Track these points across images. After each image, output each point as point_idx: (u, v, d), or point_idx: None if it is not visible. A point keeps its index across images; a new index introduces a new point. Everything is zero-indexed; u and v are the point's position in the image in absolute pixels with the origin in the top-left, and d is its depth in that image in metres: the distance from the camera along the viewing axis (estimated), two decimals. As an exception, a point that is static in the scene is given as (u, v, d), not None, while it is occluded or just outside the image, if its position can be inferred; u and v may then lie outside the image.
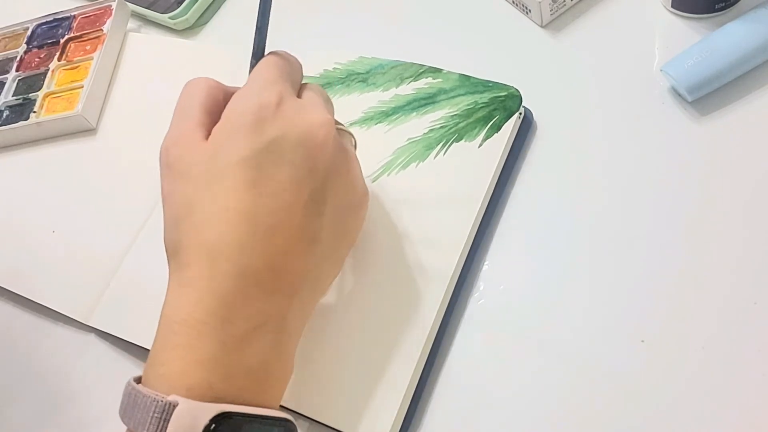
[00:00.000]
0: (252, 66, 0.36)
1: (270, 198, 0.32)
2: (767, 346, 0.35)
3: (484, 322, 0.40)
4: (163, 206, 0.34)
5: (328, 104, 0.37)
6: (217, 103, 0.35)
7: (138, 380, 0.31)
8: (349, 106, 0.47)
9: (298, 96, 0.36)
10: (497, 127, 0.43)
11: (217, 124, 0.33)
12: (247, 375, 0.31)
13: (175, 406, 0.28)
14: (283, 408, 0.38)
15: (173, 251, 0.32)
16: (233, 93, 0.35)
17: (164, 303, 0.32)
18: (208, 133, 0.33)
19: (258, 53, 0.37)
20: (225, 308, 0.30)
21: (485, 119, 0.44)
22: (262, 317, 0.31)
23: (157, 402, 0.29)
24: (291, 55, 0.37)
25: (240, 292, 0.31)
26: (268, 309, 0.32)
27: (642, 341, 0.37)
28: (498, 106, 0.44)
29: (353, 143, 0.39)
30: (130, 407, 0.30)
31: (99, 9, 0.59)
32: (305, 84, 0.37)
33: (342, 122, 0.40)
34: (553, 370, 0.37)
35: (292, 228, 0.32)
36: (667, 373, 0.36)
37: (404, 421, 0.37)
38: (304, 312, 0.34)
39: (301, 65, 0.38)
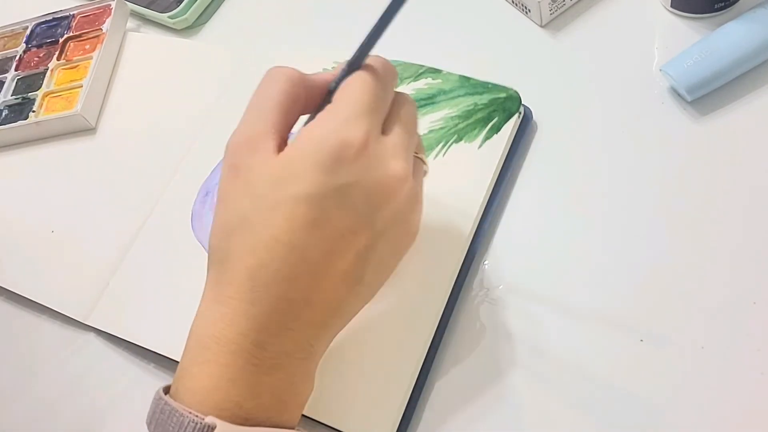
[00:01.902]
0: (344, 73, 0.33)
1: (325, 240, 0.30)
2: (766, 345, 0.35)
3: (484, 322, 0.40)
4: (218, 203, 0.32)
5: (413, 138, 0.34)
6: (297, 102, 0.33)
7: (166, 390, 0.31)
8: (348, 106, 0.47)
9: (386, 127, 0.33)
10: (497, 129, 0.43)
11: (293, 144, 0.31)
12: (273, 395, 0.31)
13: (212, 429, 0.28)
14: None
15: (218, 259, 0.32)
16: (318, 87, 0.33)
17: (197, 314, 0.32)
18: (281, 140, 0.32)
19: (356, 61, 0.33)
20: (259, 334, 0.30)
21: (485, 120, 0.44)
22: (293, 345, 0.31)
23: (196, 423, 0.28)
24: (389, 68, 0.34)
25: (275, 321, 0.30)
26: (300, 338, 0.31)
27: (641, 341, 0.37)
28: (497, 108, 0.44)
29: (424, 171, 0.37)
30: (162, 421, 0.30)
31: (98, 8, 0.59)
32: (398, 99, 0.34)
33: (422, 150, 0.37)
34: (553, 370, 0.37)
35: (339, 271, 0.31)
36: (667, 372, 0.36)
37: (402, 420, 0.37)
38: (330, 338, 0.34)
39: (395, 80, 0.34)
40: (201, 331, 0.31)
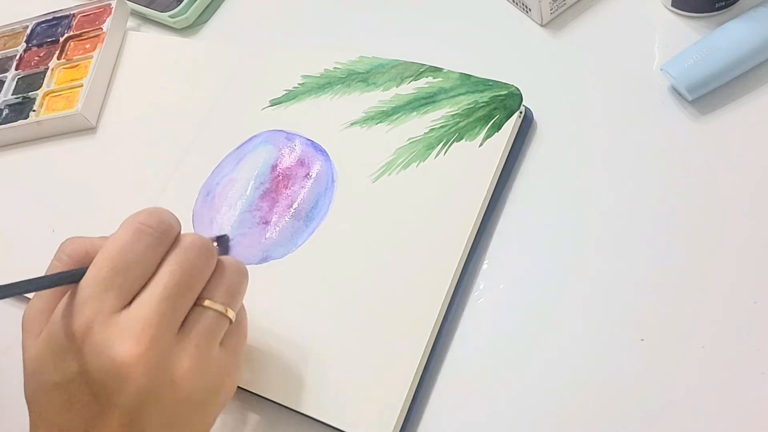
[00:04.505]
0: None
1: (81, 419, 0.31)
2: (767, 345, 0.35)
3: (484, 321, 0.40)
4: None
5: (167, 302, 0.31)
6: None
7: None
8: (349, 106, 0.47)
9: (138, 296, 0.32)
10: (498, 127, 0.43)
11: (43, 333, 0.32)
12: None
13: None
14: (283, 407, 0.38)
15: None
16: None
17: None
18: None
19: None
20: None
21: (486, 118, 0.44)
22: None
23: None
24: (150, 224, 0.33)
25: None
26: None
27: (642, 340, 0.37)
28: (498, 105, 0.44)
29: (229, 321, 0.34)
30: None
31: (98, 7, 0.59)
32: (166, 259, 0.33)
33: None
34: (553, 369, 0.37)
35: None
36: (667, 372, 0.36)
37: (405, 420, 0.37)
38: None
39: (164, 235, 0.33)
40: None
